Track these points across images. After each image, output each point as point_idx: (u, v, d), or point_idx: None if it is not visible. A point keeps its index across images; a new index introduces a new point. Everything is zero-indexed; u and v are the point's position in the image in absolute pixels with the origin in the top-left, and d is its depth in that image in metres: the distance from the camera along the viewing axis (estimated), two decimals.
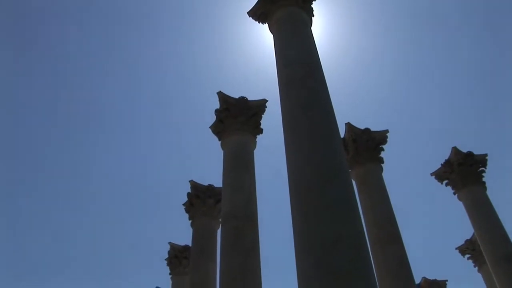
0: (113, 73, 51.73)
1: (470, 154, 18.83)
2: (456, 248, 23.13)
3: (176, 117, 53.60)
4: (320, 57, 10.99)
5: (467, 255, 22.70)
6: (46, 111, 49.17)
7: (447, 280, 24.31)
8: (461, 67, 47.85)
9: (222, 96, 15.77)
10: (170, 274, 20.81)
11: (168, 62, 52.43)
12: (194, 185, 18.13)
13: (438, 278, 24.24)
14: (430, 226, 47.90)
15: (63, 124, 50.31)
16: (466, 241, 22.76)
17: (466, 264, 22.72)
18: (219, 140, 15.38)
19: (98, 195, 52.35)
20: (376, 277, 7.50)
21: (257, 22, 13.48)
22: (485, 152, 18.98)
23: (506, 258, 15.60)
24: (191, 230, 17.42)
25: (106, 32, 50.53)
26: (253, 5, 13.46)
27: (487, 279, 20.44)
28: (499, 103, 45.36)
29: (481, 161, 18.67)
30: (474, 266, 22.26)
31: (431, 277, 24.16)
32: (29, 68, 47.99)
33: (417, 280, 21.57)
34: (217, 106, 15.84)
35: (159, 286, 24.29)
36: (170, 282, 20.62)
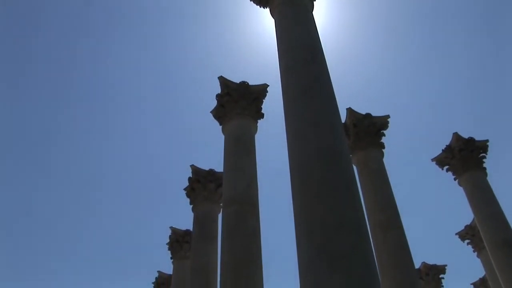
0: (114, 58, 51.56)
1: (471, 140, 18.84)
2: (456, 234, 23.25)
3: (177, 102, 53.54)
4: (321, 41, 10.95)
5: (467, 240, 22.82)
6: (46, 104, 49.12)
7: (446, 265, 24.47)
8: (463, 52, 47.63)
9: (223, 81, 15.74)
10: (171, 258, 20.94)
11: (169, 47, 52.23)
12: (195, 170, 18.17)
13: (438, 263, 24.40)
14: (430, 212, 48.07)
15: (63, 113, 50.26)
16: (466, 226, 22.87)
17: (466, 249, 22.87)
18: (220, 124, 15.38)
19: (98, 181, 52.49)
20: (376, 262, 7.54)
21: (258, 6, 13.41)
22: (486, 138, 19.00)
23: (505, 244, 15.69)
24: (192, 214, 17.51)
25: (108, 15, 50.28)
26: None
27: (486, 264, 20.58)
28: (501, 89, 45.21)
29: (482, 147, 18.68)
30: (474, 251, 22.39)
31: (430, 262, 24.33)
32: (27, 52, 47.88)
33: (417, 265, 21.75)
34: (218, 90, 15.82)
35: (160, 270, 24.51)
36: (172, 266, 20.77)
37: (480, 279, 25.44)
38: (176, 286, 19.13)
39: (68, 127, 51.20)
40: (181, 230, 21.27)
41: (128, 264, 51.67)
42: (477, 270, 26.37)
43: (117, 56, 52.12)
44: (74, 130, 51.30)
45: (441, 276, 23.85)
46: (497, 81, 45.26)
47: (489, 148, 18.73)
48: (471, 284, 26.16)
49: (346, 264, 6.55)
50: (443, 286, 23.51)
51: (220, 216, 16.08)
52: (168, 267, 23.64)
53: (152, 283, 24.60)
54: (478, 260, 22.04)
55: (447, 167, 19.07)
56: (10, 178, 48.07)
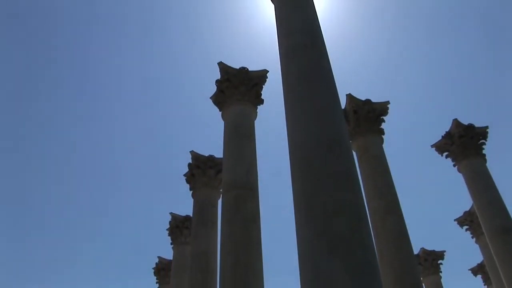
0: (114, 44, 51.31)
1: (471, 126, 18.82)
2: (454, 220, 23.34)
3: (177, 88, 53.41)
4: (321, 27, 10.88)
5: (465, 227, 22.92)
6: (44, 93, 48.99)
7: (445, 251, 24.61)
8: (464, 38, 47.41)
9: (223, 67, 15.68)
10: (171, 244, 21.03)
11: (170, 34, 51.97)
12: (195, 156, 18.18)
13: (437, 249, 24.53)
14: (429, 198, 48.22)
15: (62, 100, 50.14)
16: (465, 212, 22.95)
17: (464, 236, 22.98)
18: (220, 110, 15.36)
19: (98, 168, 52.53)
20: (375, 247, 7.58)
21: None
22: (486, 125, 18.99)
23: (503, 230, 15.76)
24: (192, 200, 17.56)
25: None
26: None
27: (484, 250, 20.70)
28: (501, 75, 45.07)
29: (481, 133, 18.67)
30: (472, 237, 22.50)
31: (429, 248, 24.45)
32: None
33: (416, 251, 21.87)
34: (218, 76, 15.77)
35: (160, 255, 24.64)
36: (172, 251, 20.86)
37: (478, 264, 25.62)
38: (176, 271, 19.24)
39: (66, 114, 51.15)
40: (181, 216, 21.33)
41: (128, 250, 51.93)
42: (475, 256, 26.51)
43: (118, 41, 51.90)
44: (73, 117, 51.26)
45: (439, 261, 24.00)
46: (499, 67, 45.11)
47: (488, 135, 18.72)
48: (469, 269, 26.36)
49: (345, 248, 6.58)
50: (441, 272, 23.66)
51: (220, 201, 16.13)
52: (168, 253, 23.75)
53: (153, 268, 24.75)
54: (477, 246, 22.17)
55: (446, 153, 19.07)
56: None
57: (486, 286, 25.09)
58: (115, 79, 53.78)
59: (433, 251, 24.35)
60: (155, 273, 24.56)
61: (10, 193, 49.60)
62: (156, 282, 24.39)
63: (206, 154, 18.27)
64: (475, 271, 26.02)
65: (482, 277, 25.52)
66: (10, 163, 49.79)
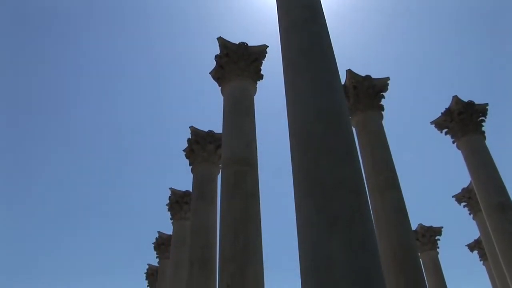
0: (112, 18, 50.83)
1: (470, 103, 18.77)
2: (452, 196, 23.46)
3: (176, 63, 53.11)
4: (321, 2, 10.77)
5: (463, 203, 23.06)
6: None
7: (442, 227, 24.80)
8: (464, 15, 46.99)
9: (222, 42, 15.58)
10: (171, 219, 21.14)
11: (169, 8, 51.42)
12: (194, 131, 18.15)
13: (434, 225, 24.72)
14: (428, 174, 48.40)
15: (61, 77, 49.87)
16: (463, 189, 23.06)
17: (462, 212, 23.14)
18: (219, 86, 15.31)
19: (98, 144, 52.55)
20: (374, 223, 7.63)
21: None
22: (486, 102, 18.94)
23: (500, 207, 15.86)
24: (191, 175, 17.60)
25: None
26: None
27: (481, 226, 20.87)
28: (501, 52, 44.81)
29: (481, 110, 18.63)
30: (470, 214, 22.66)
31: (427, 224, 24.64)
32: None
33: (414, 227, 22.03)
34: (217, 52, 15.68)
35: (160, 231, 24.82)
36: (172, 227, 21.00)
37: (475, 240, 25.86)
38: (176, 246, 19.39)
39: (65, 90, 50.95)
40: (180, 191, 21.40)
41: (128, 225, 52.30)
42: (472, 232, 26.75)
43: (116, 16, 51.40)
44: (71, 93, 51.07)
45: (437, 237, 24.21)
46: (499, 44, 44.82)
47: (488, 112, 18.70)
48: (465, 245, 26.62)
49: (344, 224, 6.63)
50: (438, 247, 23.89)
51: (219, 177, 16.18)
52: (168, 228, 23.91)
53: (153, 243, 24.96)
54: (473, 223, 22.34)
55: (446, 130, 19.06)
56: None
57: (482, 261, 25.38)
58: (114, 56, 53.44)
59: (431, 227, 24.54)
60: (155, 248, 24.77)
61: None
62: (156, 257, 24.62)
63: (206, 130, 18.25)
64: (472, 247, 26.27)
65: (478, 253, 25.80)
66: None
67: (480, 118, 18.47)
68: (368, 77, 16.47)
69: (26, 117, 51.70)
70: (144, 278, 27.65)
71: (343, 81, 16.41)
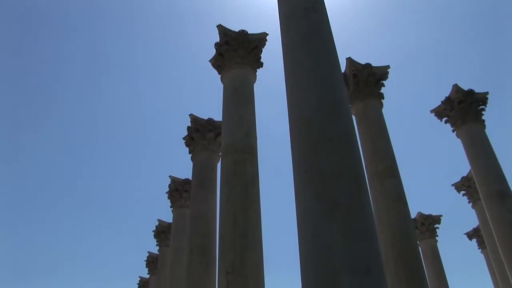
0: (111, 6, 50.56)
1: (471, 92, 18.71)
2: (452, 185, 23.48)
3: (176, 51, 52.92)
4: None
5: (463, 192, 23.09)
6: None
7: (441, 215, 24.86)
8: (465, 3, 46.76)
9: (222, 30, 15.52)
10: (171, 207, 21.19)
11: None
12: (194, 119, 18.13)
13: (433, 213, 24.78)
14: (427, 163, 48.45)
15: (60, 61, 49.70)
16: (462, 178, 23.08)
17: (461, 201, 23.19)
18: (219, 73, 15.28)
19: (99, 131, 52.51)
20: (373, 211, 7.64)
21: None
22: (486, 90, 18.89)
23: (499, 195, 15.89)
24: (191, 163, 17.62)
25: None
26: None
27: (480, 214, 20.91)
28: (502, 41, 44.65)
29: (481, 99, 18.59)
30: (469, 202, 22.71)
31: (426, 212, 24.69)
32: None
33: (413, 215, 22.08)
34: (217, 39, 15.62)
35: (160, 218, 24.89)
36: (171, 214, 21.05)
37: (473, 229, 25.95)
38: (176, 234, 19.46)
39: (64, 80, 50.82)
40: (180, 179, 21.42)
41: (128, 213, 52.46)
42: (471, 221, 26.84)
43: (115, 4, 51.12)
44: (70, 82, 50.93)
45: (436, 226, 24.27)
46: (500, 32, 44.64)
47: (488, 101, 18.65)
48: (464, 233, 26.72)
49: (344, 212, 6.64)
50: (437, 236, 23.97)
51: (219, 165, 16.19)
52: (168, 216, 23.97)
53: (152, 231, 25.04)
54: (472, 211, 22.39)
55: (445, 118, 19.03)
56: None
57: (480, 250, 25.50)
58: (113, 43, 53.23)
59: (430, 215, 24.60)
60: (155, 236, 24.87)
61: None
62: (157, 245, 24.73)
63: (206, 117, 18.23)
64: (470, 235, 26.37)
65: (477, 241, 25.90)
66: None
67: (480, 107, 18.42)
68: (368, 65, 16.43)
69: (23, 110, 51.63)
70: (145, 265, 27.80)
71: (343, 69, 16.37)
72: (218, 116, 16.87)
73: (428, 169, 48.59)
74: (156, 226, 24.90)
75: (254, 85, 15.03)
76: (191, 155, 17.72)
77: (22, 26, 49.31)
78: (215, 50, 15.61)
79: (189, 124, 18.14)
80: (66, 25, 51.42)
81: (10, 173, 49.26)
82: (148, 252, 27.61)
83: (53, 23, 51.46)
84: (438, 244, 23.58)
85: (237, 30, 15.50)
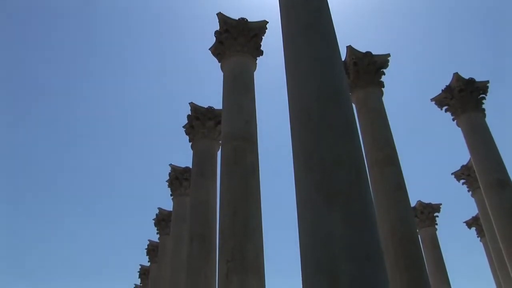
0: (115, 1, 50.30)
1: (471, 80, 18.65)
2: (452, 173, 23.48)
3: (176, 39, 52.73)
4: None
5: (462, 180, 23.10)
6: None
7: (441, 204, 24.89)
8: None
9: (222, 18, 15.45)
10: (171, 195, 21.21)
11: None
12: (194, 107, 18.10)
13: (433, 202, 24.81)
14: (427, 151, 48.47)
15: (61, 54, 49.53)
16: (462, 166, 23.06)
17: (461, 189, 23.21)
18: (219, 62, 15.24)
19: (99, 120, 52.47)
20: (373, 199, 7.66)
21: None
22: (487, 79, 18.84)
23: (499, 184, 15.91)
24: (191, 152, 17.61)
25: None
26: None
27: (480, 203, 20.93)
28: (502, 30, 44.45)
29: (482, 88, 18.53)
30: (468, 191, 22.72)
31: (426, 200, 24.73)
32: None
33: (413, 204, 22.13)
34: (217, 27, 15.55)
35: (160, 207, 24.94)
36: (172, 203, 21.08)
37: (473, 217, 25.98)
38: (176, 222, 19.51)
39: (63, 70, 50.68)
40: (180, 167, 21.41)
41: (128, 201, 52.58)
42: (471, 209, 26.89)
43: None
44: (70, 73, 50.80)
45: (435, 214, 24.31)
46: (500, 22, 44.44)
47: (489, 90, 18.61)
48: (463, 222, 26.78)
49: (343, 200, 6.65)
50: (437, 224, 24.02)
51: (219, 153, 16.19)
52: (168, 204, 24.01)
53: (153, 219, 25.09)
54: (472, 200, 22.41)
55: (446, 107, 19.00)
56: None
57: (479, 238, 25.57)
58: (112, 32, 53.01)
59: (430, 204, 24.63)
60: (155, 224, 24.92)
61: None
62: (157, 233, 24.79)
63: (206, 106, 18.20)
64: (470, 223, 26.42)
65: (476, 230, 25.96)
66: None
67: (481, 96, 18.38)
68: (368, 53, 16.36)
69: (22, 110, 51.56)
70: (145, 253, 27.90)
71: (343, 57, 16.32)
72: (218, 104, 16.85)
73: (428, 157, 48.64)
74: (156, 214, 24.95)
75: (255, 73, 15.00)
76: (191, 143, 17.71)
77: (21, 26, 49.11)
78: (215, 38, 15.55)
79: (189, 113, 18.11)
80: (63, 10, 51.18)
81: (7, 169, 49.32)
82: (149, 240, 27.69)
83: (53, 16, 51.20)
84: (437, 232, 23.66)
85: (237, 18, 15.43)
